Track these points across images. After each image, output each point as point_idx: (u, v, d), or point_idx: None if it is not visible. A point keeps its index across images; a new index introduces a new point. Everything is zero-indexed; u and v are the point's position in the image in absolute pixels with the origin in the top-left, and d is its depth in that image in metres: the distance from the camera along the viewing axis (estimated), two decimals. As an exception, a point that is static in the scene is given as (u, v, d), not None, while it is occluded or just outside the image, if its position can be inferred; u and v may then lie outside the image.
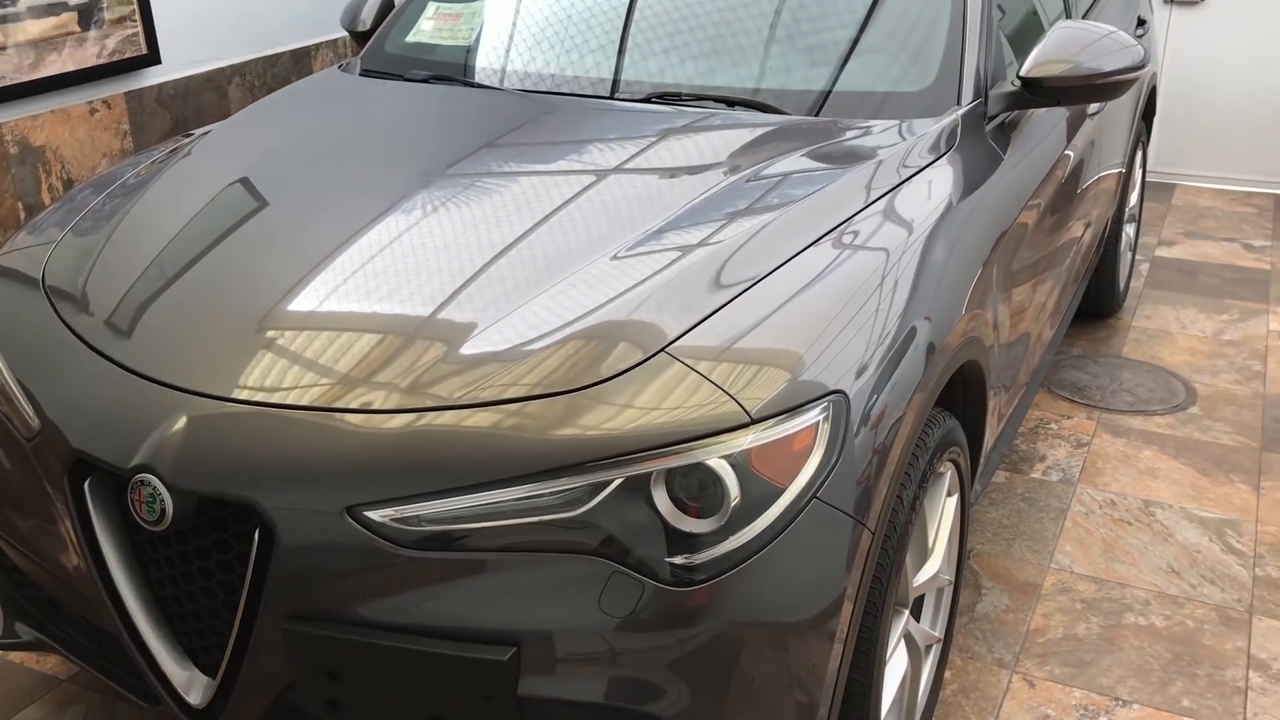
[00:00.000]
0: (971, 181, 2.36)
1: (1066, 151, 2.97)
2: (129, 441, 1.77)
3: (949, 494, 2.24)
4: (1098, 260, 3.95)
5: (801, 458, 1.68)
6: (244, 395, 1.79)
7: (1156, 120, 5.81)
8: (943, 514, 2.21)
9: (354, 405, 1.73)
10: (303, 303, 1.97)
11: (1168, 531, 3.06)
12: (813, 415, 1.69)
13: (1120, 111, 3.66)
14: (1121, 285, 4.38)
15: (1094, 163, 3.31)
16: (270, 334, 1.90)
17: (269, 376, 1.82)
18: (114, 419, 1.82)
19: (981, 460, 2.51)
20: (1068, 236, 3.06)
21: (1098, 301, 4.23)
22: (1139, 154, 4.30)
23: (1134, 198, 4.41)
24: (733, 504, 1.62)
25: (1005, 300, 2.45)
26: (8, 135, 3.04)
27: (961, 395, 2.32)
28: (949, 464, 2.18)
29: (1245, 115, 5.78)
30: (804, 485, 1.67)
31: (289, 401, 1.76)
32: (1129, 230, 4.42)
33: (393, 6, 3.25)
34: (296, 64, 4.02)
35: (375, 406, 1.73)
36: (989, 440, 2.54)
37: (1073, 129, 3.05)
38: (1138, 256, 4.90)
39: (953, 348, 2.07)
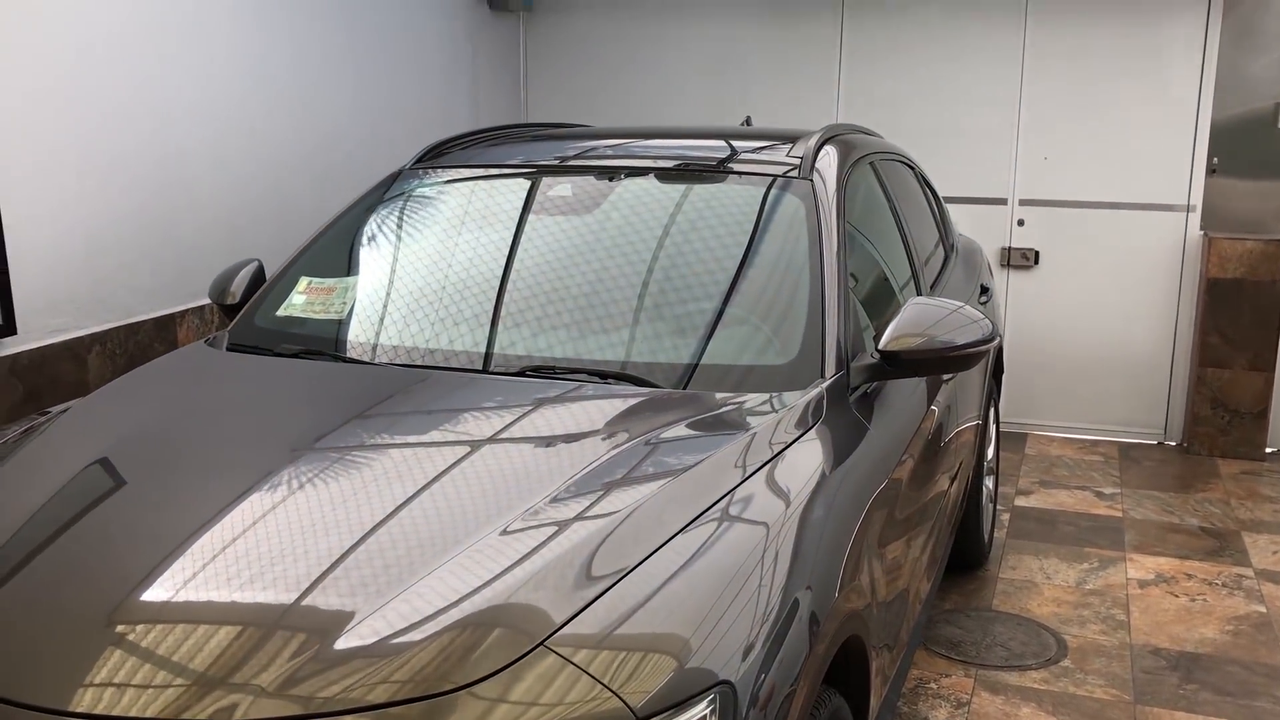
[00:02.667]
0: (841, 452, 2.41)
1: (928, 412, 3.08)
2: (-51, 767, 1.60)
3: (838, 775, 2.17)
4: (963, 513, 4.05)
5: (690, 756, 1.60)
6: (82, 706, 1.64)
7: (1006, 373, 6.13)
8: (833, 799, 2.13)
9: (204, 716, 1.61)
10: (155, 595, 1.86)
11: (1055, 795, 3.01)
12: (700, 710, 1.63)
13: (972, 371, 3.84)
14: (986, 536, 4.48)
15: (953, 421, 3.44)
16: (118, 631, 1.78)
17: (113, 682, 1.68)
18: (-66, 742, 1.64)
19: (868, 732, 2.45)
20: (936, 491, 3.13)
21: (965, 554, 4.31)
22: (991, 409, 4.50)
23: (990, 451, 4.58)
24: (620, 811, 1.53)
25: (882, 560, 2.47)
26: None
27: (844, 666, 2.29)
28: (837, 745, 2.12)
29: (1083, 367, 6.15)
30: (693, 788, 1.59)
31: (133, 713, 1.62)
32: (988, 482, 4.56)
33: (263, 280, 3.25)
34: (160, 331, 3.96)
35: (231, 718, 1.60)
36: (875, 707, 2.49)
37: (931, 391, 3.17)
38: (998, 507, 5.04)
39: (836, 617, 2.06)
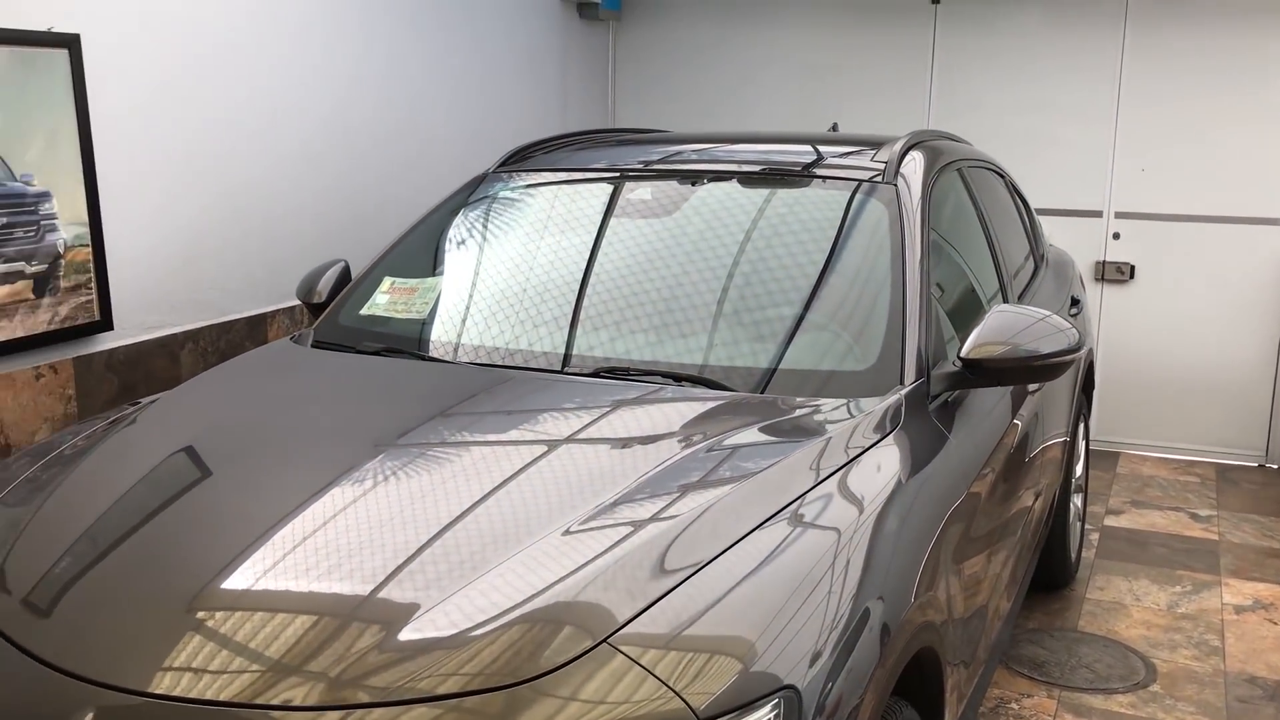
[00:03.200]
0: (918, 461, 2.37)
1: (1011, 424, 3.01)
2: (29, 740, 1.65)
3: (909, 790, 2.12)
4: (1048, 531, 3.95)
5: (752, 760, 1.58)
6: (161, 688, 1.68)
7: (1098, 390, 5.98)
8: (903, 814, 2.08)
9: (278, 700, 1.63)
10: (235, 583, 1.89)
11: (1139, 823, 2.91)
12: (763, 714, 1.61)
13: (1061, 385, 3.75)
14: (1073, 555, 4.37)
15: (1038, 435, 3.36)
16: (198, 617, 1.81)
17: (191, 666, 1.72)
18: (16, 714, 1.69)
19: (941, 749, 2.40)
20: (1018, 507, 3.06)
21: (1050, 572, 4.20)
22: (1081, 426, 4.39)
23: (1079, 468, 4.46)
24: (679, 812, 1.52)
25: (959, 575, 2.42)
26: (-52, 400, 3.00)
27: (918, 679, 2.25)
28: (908, 758, 2.07)
29: (1180, 385, 5.97)
30: (755, 793, 1.57)
31: (208, 695, 1.66)
32: (1077, 500, 4.45)
33: (349, 280, 3.31)
34: (252, 330, 4.05)
35: (301, 701, 1.63)
36: (949, 724, 2.44)
37: (1016, 403, 3.10)
38: (1087, 526, 4.91)
39: (908, 630, 2.02)
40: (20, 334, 3.16)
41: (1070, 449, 4.06)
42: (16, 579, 1.98)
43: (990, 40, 6.01)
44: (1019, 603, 3.42)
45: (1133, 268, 5.95)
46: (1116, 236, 5.96)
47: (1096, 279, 6.00)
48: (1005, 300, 3.41)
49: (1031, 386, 3.27)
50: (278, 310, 4.19)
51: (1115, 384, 6.04)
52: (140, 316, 3.61)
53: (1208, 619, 4.11)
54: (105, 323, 3.43)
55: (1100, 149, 5.91)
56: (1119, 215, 5.94)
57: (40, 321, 3.22)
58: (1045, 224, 4.78)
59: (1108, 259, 5.99)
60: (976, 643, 2.67)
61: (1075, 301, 4.29)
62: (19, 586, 1.96)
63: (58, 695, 1.69)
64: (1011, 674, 3.69)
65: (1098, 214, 5.97)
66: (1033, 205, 4.57)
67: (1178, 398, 5.99)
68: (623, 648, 1.65)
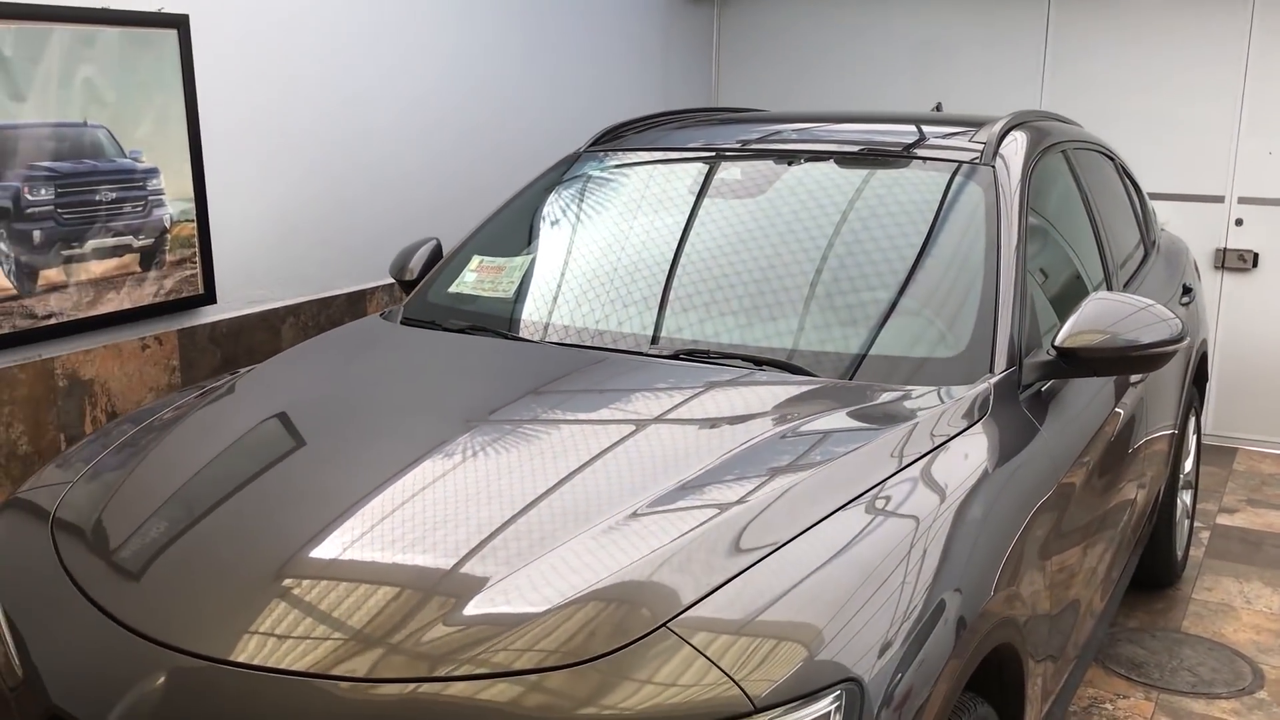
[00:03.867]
0: (1005, 451, 2.30)
1: (1111, 416, 2.90)
2: (105, 701, 1.70)
3: (985, 789, 2.06)
4: (1152, 528, 3.81)
5: (811, 752, 1.55)
6: (241, 656, 1.71)
7: (1215, 383, 5.75)
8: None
9: (346, 672, 1.65)
10: (322, 553, 1.91)
11: (1236, 834, 2.80)
12: (823, 706, 1.58)
13: (1168, 377, 3.60)
14: (1179, 554, 4.21)
15: (1141, 428, 3.23)
16: (285, 585, 1.84)
17: (268, 634, 1.75)
18: (94, 675, 1.75)
19: (1024, 748, 2.33)
20: (1116, 501, 2.95)
21: (1154, 571, 4.05)
22: (1191, 419, 4.21)
23: (1189, 464, 4.29)
24: (734, 803, 1.50)
25: (1045, 569, 2.34)
26: (59, 369, 3.11)
27: (997, 675, 2.18)
28: (983, 756, 2.02)
29: (1305, 381, 5.69)
30: (813, 787, 1.54)
31: (285, 665, 1.68)
32: (1185, 497, 4.28)
33: (440, 257, 3.34)
34: (351, 306, 4.13)
35: (371, 674, 1.65)
36: (1033, 720, 2.36)
37: (1118, 394, 2.99)
38: (1197, 524, 4.72)
39: (986, 624, 1.96)
40: (127, 306, 3.27)
41: (1178, 443, 3.91)
42: (104, 543, 2.05)
43: (1107, 17, 5.79)
44: (1116, 600, 3.31)
45: (1256, 255, 5.69)
46: (1239, 223, 5.70)
47: (1216, 267, 5.75)
48: (1109, 288, 3.29)
49: (1134, 378, 3.15)
50: (377, 286, 4.26)
51: (1234, 377, 5.79)
52: (242, 291, 3.70)
53: (1323, 625, 3.93)
54: (209, 296, 3.53)
55: (1224, 131, 5.65)
56: (1242, 200, 5.68)
57: (146, 294, 3.32)
58: (1162, 209, 4.60)
59: (1229, 246, 5.73)
60: (1066, 639, 2.58)
61: (1187, 290, 4.12)
62: (106, 551, 2.02)
63: (134, 656, 1.74)
64: (1108, 673, 3.57)
65: (1219, 199, 5.72)
66: (1150, 189, 4.39)
67: (1301, 393, 5.72)
68: (682, 631, 1.64)
